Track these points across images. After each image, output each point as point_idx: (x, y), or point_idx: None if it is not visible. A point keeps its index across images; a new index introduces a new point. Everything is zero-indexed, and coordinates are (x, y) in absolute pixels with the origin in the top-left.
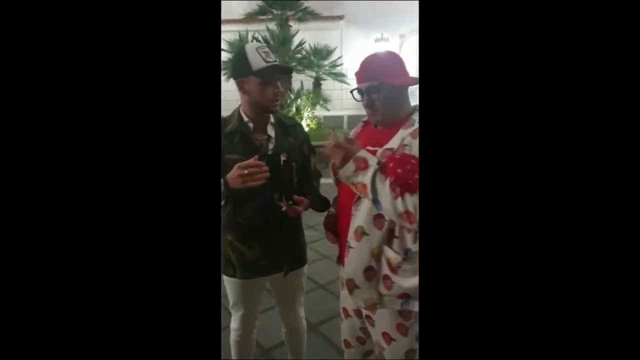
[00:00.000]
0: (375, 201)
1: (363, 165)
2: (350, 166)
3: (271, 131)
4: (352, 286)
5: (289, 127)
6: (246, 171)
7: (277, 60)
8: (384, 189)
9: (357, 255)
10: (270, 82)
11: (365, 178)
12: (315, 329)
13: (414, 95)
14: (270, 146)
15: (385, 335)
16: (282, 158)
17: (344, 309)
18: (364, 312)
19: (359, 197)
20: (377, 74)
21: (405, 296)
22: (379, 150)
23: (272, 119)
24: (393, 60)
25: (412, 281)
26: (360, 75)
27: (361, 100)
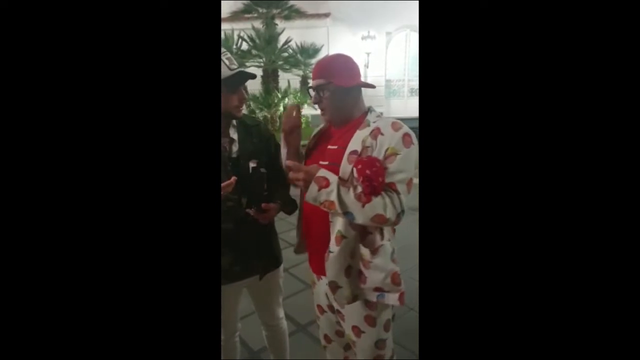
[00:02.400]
0: (346, 213)
1: (325, 184)
2: (314, 187)
3: (234, 134)
4: (334, 287)
5: (252, 128)
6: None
7: (240, 66)
8: (351, 200)
9: (337, 259)
10: (235, 90)
11: (332, 195)
12: (304, 330)
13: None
14: (234, 149)
15: (354, 328)
16: (252, 165)
17: (319, 306)
18: (336, 306)
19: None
20: (325, 73)
21: (378, 290)
22: (346, 154)
23: (234, 122)
24: (344, 62)
25: (381, 276)
26: (313, 74)
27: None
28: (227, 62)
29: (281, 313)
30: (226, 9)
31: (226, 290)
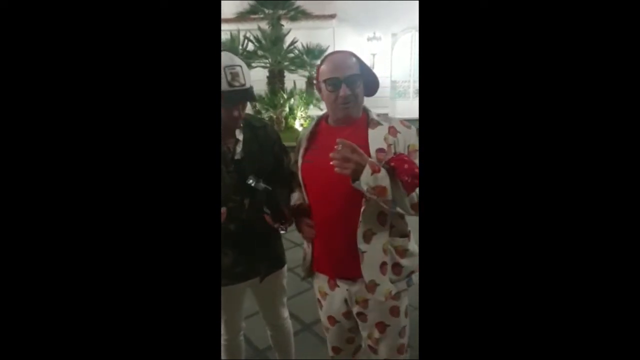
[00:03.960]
0: (393, 201)
1: (377, 169)
2: (368, 171)
3: (239, 134)
4: (373, 285)
5: (258, 129)
6: None
7: (246, 84)
8: (400, 189)
9: (372, 256)
10: (231, 106)
11: (385, 181)
12: (309, 329)
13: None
14: (238, 149)
15: (378, 325)
16: (250, 182)
17: (330, 317)
18: (355, 310)
19: (365, 203)
20: (354, 66)
21: (410, 274)
22: (372, 151)
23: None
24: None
25: (413, 258)
26: (335, 67)
27: (333, 92)
28: (229, 76)
29: (285, 313)
30: (232, 9)
31: (229, 291)
